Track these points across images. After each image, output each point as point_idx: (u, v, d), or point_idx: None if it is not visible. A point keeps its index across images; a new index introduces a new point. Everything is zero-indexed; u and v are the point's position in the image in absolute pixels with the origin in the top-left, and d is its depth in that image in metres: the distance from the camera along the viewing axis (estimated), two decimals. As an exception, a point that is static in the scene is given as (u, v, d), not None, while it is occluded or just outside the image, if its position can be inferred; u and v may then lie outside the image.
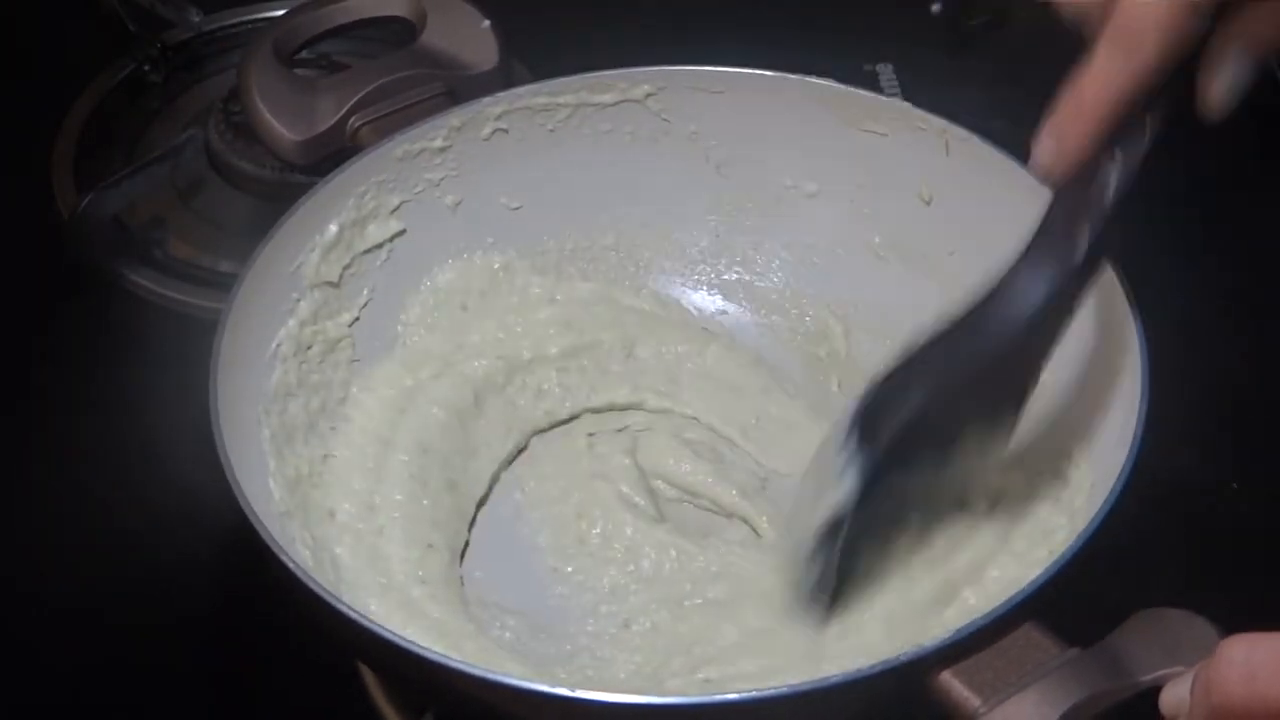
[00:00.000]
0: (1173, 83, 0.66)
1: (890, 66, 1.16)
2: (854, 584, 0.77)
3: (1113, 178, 0.68)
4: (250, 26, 1.22)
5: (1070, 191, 0.69)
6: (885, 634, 0.77)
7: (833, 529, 0.73)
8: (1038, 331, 0.72)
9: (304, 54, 1.01)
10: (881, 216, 0.93)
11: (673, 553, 0.84)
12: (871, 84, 1.13)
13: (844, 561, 0.75)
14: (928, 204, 0.91)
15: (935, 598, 0.78)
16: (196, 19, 1.19)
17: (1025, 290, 0.71)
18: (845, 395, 0.92)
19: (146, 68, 1.19)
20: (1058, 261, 0.70)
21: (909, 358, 0.73)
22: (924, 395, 0.72)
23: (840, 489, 0.73)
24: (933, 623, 0.76)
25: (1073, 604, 0.68)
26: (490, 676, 0.66)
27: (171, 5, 1.18)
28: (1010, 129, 0.89)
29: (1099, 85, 0.65)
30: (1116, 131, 0.66)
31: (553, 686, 0.66)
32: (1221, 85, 0.65)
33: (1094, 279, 0.72)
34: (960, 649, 0.66)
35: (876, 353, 0.92)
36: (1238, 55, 0.65)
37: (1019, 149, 0.85)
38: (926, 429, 0.73)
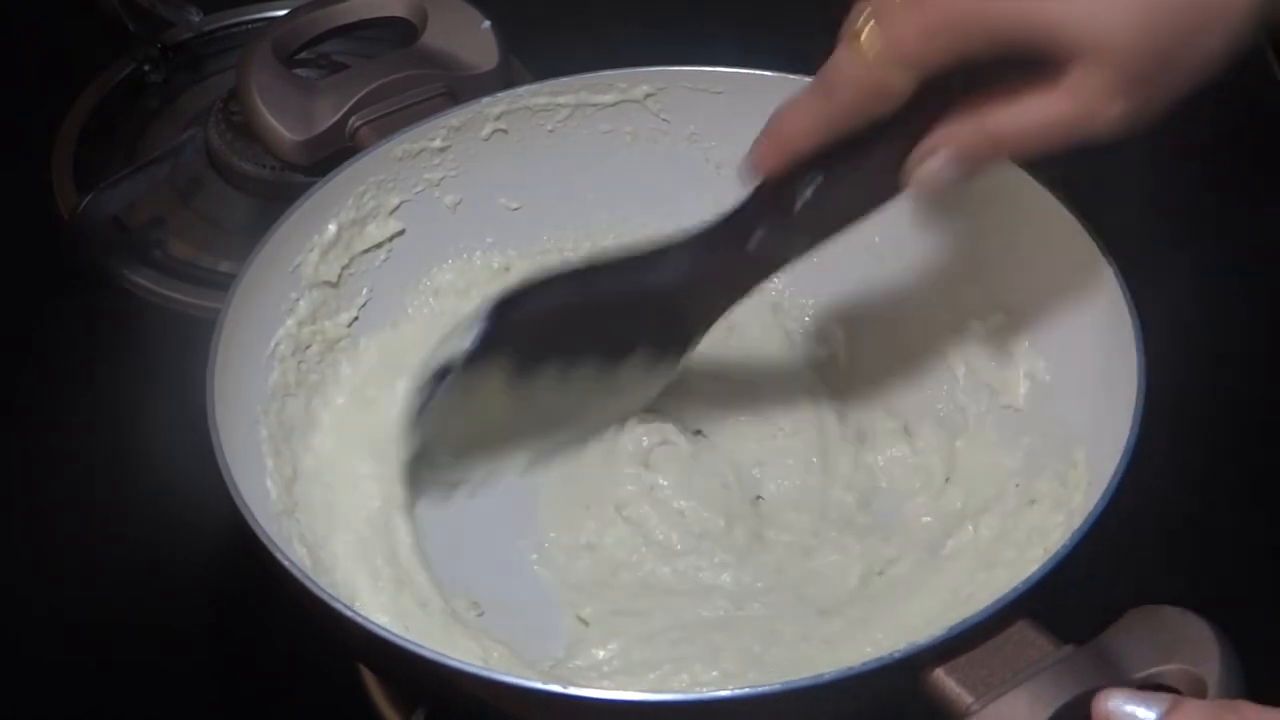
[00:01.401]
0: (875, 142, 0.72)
1: (889, 66, 1.15)
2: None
3: (804, 194, 0.74)
4: (250, 26, 1.22)
5: (766, 195, 0.76)
6: (885, 634, 0.77)
7: (440, 373, 0.78)
8: (695, 298, 0.80)
9: (304, 54, 1.01)
10: (882, 218, 0.93)
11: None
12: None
13: (438, 415, 0.79)
14: (928, 203, 0.91)
15: (934, 597, 0.78)
16: (196, 19, 1.19)
17: (690, 259, 0.79)
18: (847, 396, 0.92)
19: (146, 68, 1.19)
20: (732, 247, 0.78)
21: (567, 271, 0.80)
22: (559, 297, 0.79)
23: (462, 341, 0.77)
24: (930, 622, 0.76)
25: (1069, 602, 0.68)
26: (487, 675, 0.66)
27: (171, 5, 1.18)
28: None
29: (796, 120, 0.73)
30: (817, 159, 0.73)
31: (548, 684, 0.66)
32: (922, 170, 0.72)
33: (767, 274, 0.80)
34: (953, 646, 0.66)
35: (877, 355, 0.93)
36: (942, 150, 0.71)
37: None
38: (561, 329, 0.80)
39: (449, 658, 0.67)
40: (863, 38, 0.68)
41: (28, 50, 1.20)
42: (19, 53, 1.20)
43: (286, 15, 1.00)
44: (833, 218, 0.77)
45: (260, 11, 1.23)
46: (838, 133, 0.71)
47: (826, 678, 0.64)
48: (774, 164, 0.74)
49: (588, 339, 0.81)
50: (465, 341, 0.77)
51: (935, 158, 0.72)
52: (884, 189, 0.75)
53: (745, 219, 0.77)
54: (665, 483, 0.86)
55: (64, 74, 1.19)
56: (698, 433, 0.89)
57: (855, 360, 0.94)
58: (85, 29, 1.21)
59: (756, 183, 0.76)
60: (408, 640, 0.68)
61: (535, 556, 0.85)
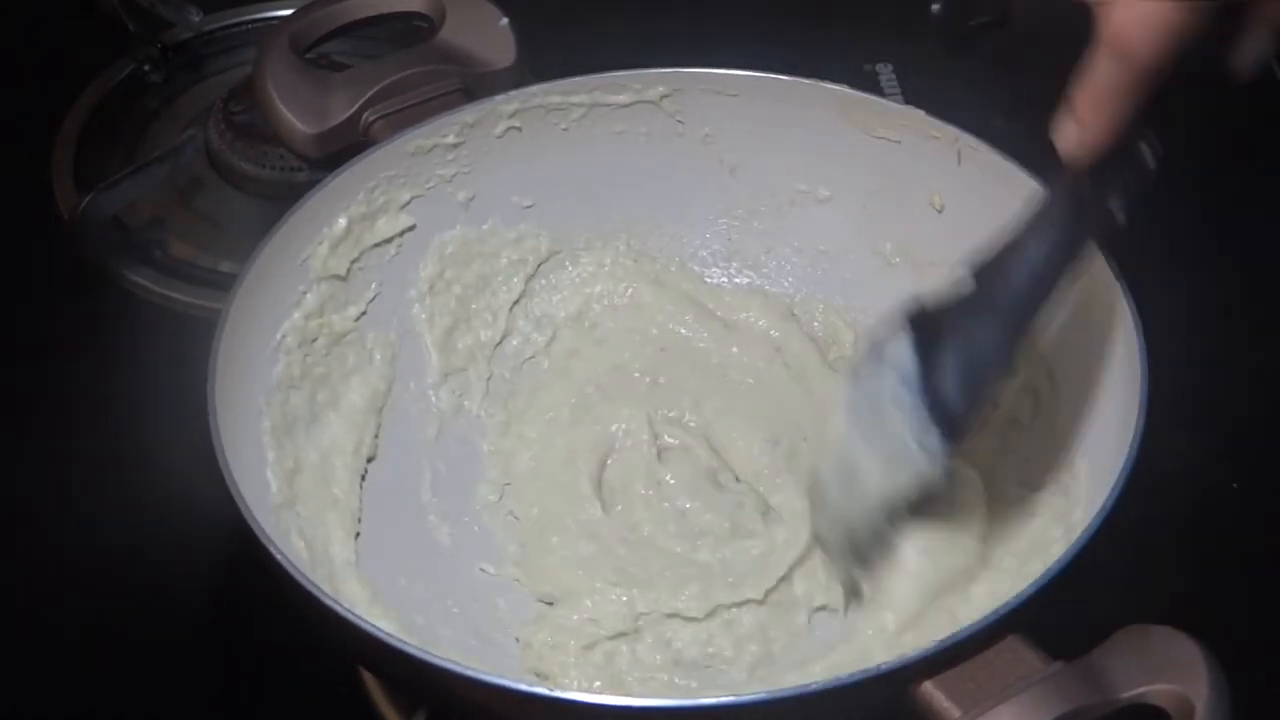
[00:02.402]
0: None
1: (890, 66, 1.16)
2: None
3: (1147, 152, 0.70)
4: (250, 26, 1.22)
5: (1101, 167, 0.70)
6: (881, 645, 0.77)
7: (895, 509, 0.74)
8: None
9: (320, 49, 1.01)
10: (893, 223, 0.93)
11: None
12: (871, 84, 1.14)
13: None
14: (939, 211, 0.91)
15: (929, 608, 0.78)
16: (196, 19, 1.19)
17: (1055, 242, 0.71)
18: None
19: (146, 68, 1.19)
20: (1093, 228, 0.71)
21: (937, 310, 0.73)
22: (999, 363, 0.72)
23: (928, 462, 0.72)
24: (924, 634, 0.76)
25: (1061, 618, 0.68)
26: (483, 677, 0.66)
27: (171, 5, 1.18)
28: (1010, 129, 0.89)
29: (1105, 83, 0.66)
30: (1144, 111, 0.67)
31: (542, 688, 0.66)
32: (1246, 58, 0.68)
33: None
34: (943, 659, 0.66)
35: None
36: (1260, 35, 0.67)
37: (1020, 150, 0.86)
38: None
39: (443, 658, 0.67)
40: None
41: (28, 50, 1.20)
42: (19, 53, 1.20)
43: (304, 8, 1.00)
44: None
45: (260, 11, 1.23)
46: (1156, 82, 0.66)
47: (813, 687, 0.64)
48: (1100, 138, 0.68)
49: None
50: (922, 465, 0.72)
51: (1258, 41, 0.68)
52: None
53: (1094, 197, 0.71)
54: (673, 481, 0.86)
55: (64, 74, 1.19)
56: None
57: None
58: (85, 29, 1.21)
59: (1085, 157, 0.69)
60: (401, 640, 0.67)
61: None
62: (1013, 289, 0.71)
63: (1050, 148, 0.69)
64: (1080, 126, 0.68)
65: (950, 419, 0.71)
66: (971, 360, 0.72)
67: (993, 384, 0.73)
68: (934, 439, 0.71)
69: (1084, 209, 0.71)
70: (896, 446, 0.73)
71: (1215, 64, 0.68)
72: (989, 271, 0.72)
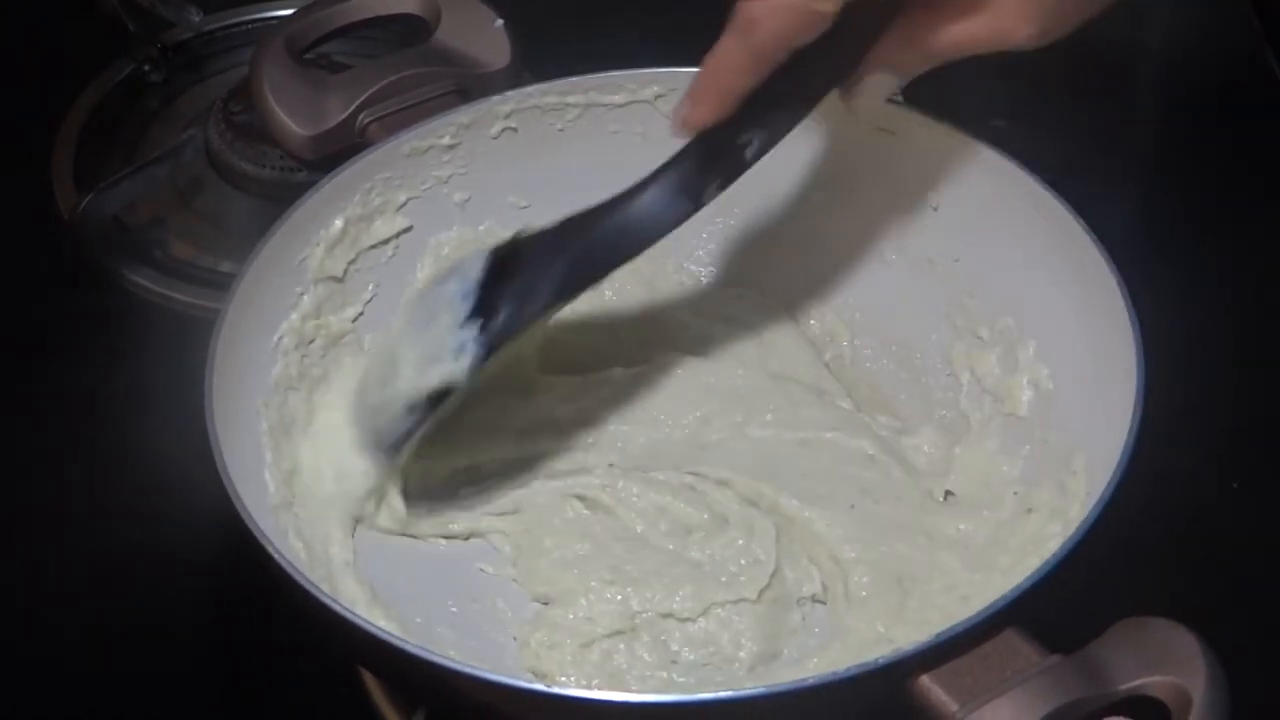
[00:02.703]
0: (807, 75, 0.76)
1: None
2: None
3: (753, 144, 0.78)
4: (249, 26, 1.22)
5: (708, 146, 0.78)
6: (877, 639, 0.77)
7: (437, 396, 0.79)
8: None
9: (316, 51, 1.01)
10: (890, 221, 0.93)
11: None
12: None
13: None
14: (935, 210, 0.91)
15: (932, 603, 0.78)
16: (196, 19, 1.19)
17: (645, 211, 0.79)
18: (850, 399, 0.92)
19: (146, 68, 1.19)
20: (684, 200, 0.79)
21: (523, 241, 0.80)
22: (549, 293, 0.79)
23: (458, 364, 0.78)
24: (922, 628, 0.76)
25: (1059, 611, 0.68)
26: (481, 675, 0.66)
27: (171, 5, 1.18)
28: (1010, 129, 0.89)
29: (724, 63, 0.75)
30: (753, 103, 0.75)
31: (539, 685, 0.66)
32: (863, 91, 0.78)
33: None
34: (940, 653, 0.66)
35: (882, 358, 0.93)
36: (880, 71, 0.77)
37: (1020, 150, 0.86)
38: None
39: (440, 656, 0.67)
40: None
41: (28, 50, 1.20)
42: (19, 53, 1.20)
43: (301, 10, 1.00)
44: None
45: (260, 11, 1.23)
46: (767, 68, 0.74)
47: (809, 682, 0.65)
48: (708, 114, 0.76)
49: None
50: (459, 365, 0.78)
51: (874, 79, 0.77)
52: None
53: (694, 175, 0.79)
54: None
55: (64, 74, 1.19)
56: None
57: (860, 364, 0.94)
58: (85, 29, 1.21)
59: (693, 131, 0.77)
60: (398, 638, 0.67)
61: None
62: (586, 238, 0.79)
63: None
64: (693, 101, 0.76)
65: (489, 331, 0.78)
66: (526, 286, 0.78)
67: (539, 312, 0.79)
68: (470, 345, 0.78)
69: (681, 184, 0.79)
70: (436, 347, 0.79)
71: (831, 88, 0.78)
72: (578, 219, 0.79)
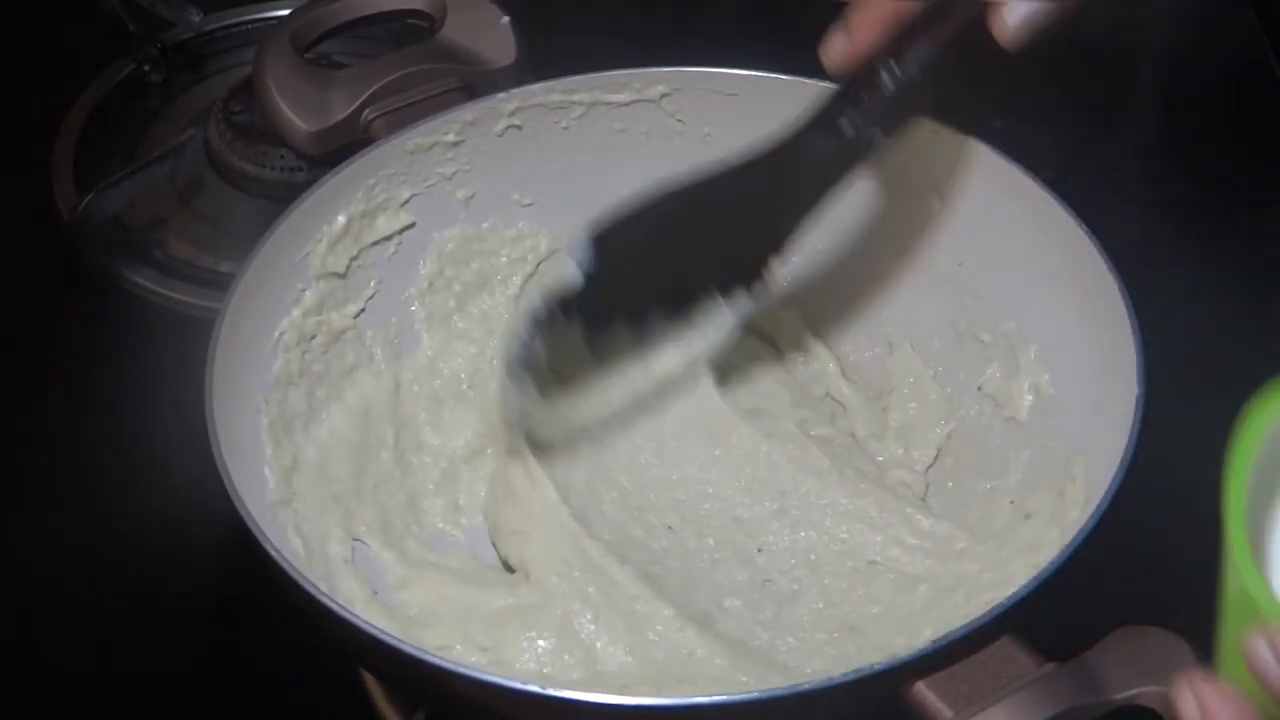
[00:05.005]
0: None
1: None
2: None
3: (895, 74, 0.77)
4: (250, 26, 1.22)
5: (852, 86, 0.78)
6: (873, 645, 0.77)
7: (560, 305, 0.77)
8: (793, 195, 0.81)
9: (320, 48, 1.01)
10: (890, 222, 0.93)
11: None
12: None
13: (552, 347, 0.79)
14: (937, 211, 0.90)
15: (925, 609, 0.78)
16: (196, 19, 1.19)
17: (787, 157, 0.79)
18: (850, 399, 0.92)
19: (146, 68, 1.19)
20: (834, 136, 0.79)
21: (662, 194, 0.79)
22: (658, 216, 0.79)
23: (570, 271, 0.76)
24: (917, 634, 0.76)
25: (1055, 619, 0.68)
26: (480, 676, 0.66)
27: (171, 5, 1.18)
28: (1010, 129, 0.89)
29: (867, 12, 0.76)
30: (898, 39, 0.77)
31: (536, 686, 0.65)
32: (1008, 21, 0.76)
33: (863, 159, 0.80)
34: (936, 660, 0.66)
35: (882, 358, 0.93)
36: None
37: (1020, 149, 0.86)
38: (658, 250, 0.80)
39: (436, 656, 0.67)
40: None
41: (28, 50, 1.20)
42: (19, 53, 1.19)
43: (304, 7, 1.00)
44: (926, 93, 0.79)
45: (260, 11, 1.23)
46: (910, 14, 0.75)
47: (804, 687, 0.64)
48: (866, 43, 0.77)
49: (673, 271, 0.81)
50: (571, 272, 0.77)
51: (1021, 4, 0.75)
52: (969, 52, 0.78)
53: (836, 111, 0.79)
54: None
55: (64, 74, 1.19)
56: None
57: (860, 365, 0.94)
58: (85, 29, 1.21)
59: (847, 69, 0.78)
60: (395, 638, 0.67)
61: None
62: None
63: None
64: (849, 39, 0.77)
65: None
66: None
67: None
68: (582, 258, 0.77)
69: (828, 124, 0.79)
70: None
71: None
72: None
